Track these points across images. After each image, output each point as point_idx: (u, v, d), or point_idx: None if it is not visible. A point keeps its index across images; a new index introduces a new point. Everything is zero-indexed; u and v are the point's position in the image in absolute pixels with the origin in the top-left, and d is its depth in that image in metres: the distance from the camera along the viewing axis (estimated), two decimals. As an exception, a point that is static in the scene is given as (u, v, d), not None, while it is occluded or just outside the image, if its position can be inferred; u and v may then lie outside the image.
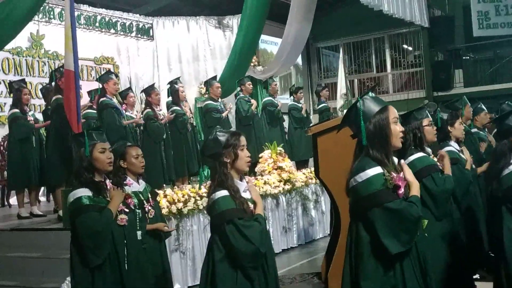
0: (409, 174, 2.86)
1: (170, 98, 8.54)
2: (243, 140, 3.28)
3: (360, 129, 2.84)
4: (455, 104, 6.32)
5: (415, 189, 2.83)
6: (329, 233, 8.13)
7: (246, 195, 3.25)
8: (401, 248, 2.72)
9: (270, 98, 10.36)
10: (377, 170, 2.78)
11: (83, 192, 3.67)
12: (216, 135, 3.29)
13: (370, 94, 2.94)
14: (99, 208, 3.66)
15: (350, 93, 12.44)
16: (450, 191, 3.85)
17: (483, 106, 6.85)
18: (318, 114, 11.39)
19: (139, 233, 3.92)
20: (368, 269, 2.76)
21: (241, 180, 3.30)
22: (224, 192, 3.16)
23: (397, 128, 2.89)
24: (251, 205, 3.22)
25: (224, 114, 9.00)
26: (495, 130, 7.18)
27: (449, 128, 4.93)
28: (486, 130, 6.87)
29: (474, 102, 6.97)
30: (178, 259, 6.40)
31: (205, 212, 6.74)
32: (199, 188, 6.30)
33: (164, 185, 7.91)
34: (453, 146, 4.93)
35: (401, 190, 2.73)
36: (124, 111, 7.55)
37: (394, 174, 2.76)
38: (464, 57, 15.78)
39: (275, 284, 3.30)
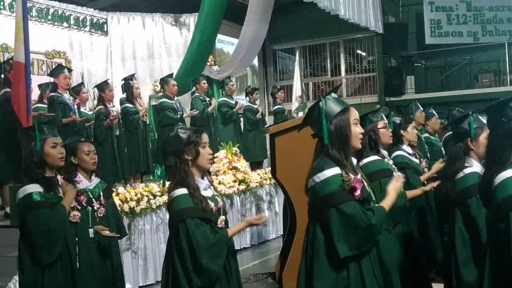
0: (392, 186, 2.97)
1: (125, 95, 8.41)
2: (205, 137, 3.26)
3: (322, 129, 2.87)
4: (406, 108, 6.46)
5: (387, 201, 2.89)
6: (281, 233, 8.17)
7: (206, 193, 3.23)
8: (348, 253, 2.73)
9: (224, 98, 10.34)
10: (335, 170, 2.80)
11: (34, 188, 3.56)
12: (177, 132, 3.26)
13: (333, 95, 2.97)
14: (51, 204, 3.56)
15: (305, 95, 12.55)
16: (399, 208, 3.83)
17: (434, 111, 7.03)
18: (273, 115, 11.43)
19: (91, 230, 3.84)
20: (322, 269, 2.78)
21: (202, 178, 3.27)
22: (182, 190, 3.14)
23: (357, 130, 2.93)
24: (211, 204, 3.19)
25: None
26: (446, 135, 7.37)
27: (402, 132, 5.01)
28: (437, 135, 7.03)
29: (425, 108, 7.14)
30: (130, 258, 6.32)
31: (157, 211, 6.70)
32: (163, 186, 6.22)
33: (116, 183, 7.80)
34: (405, 150, 5.00)
35: (357, 192, 2.75)
36: (76, 107, 7.37)
37: (352, 176, 2.78)
38: (416, 64, 16.16)
39: (237, 284, 3.29)
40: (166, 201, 3.39)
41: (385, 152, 4.30)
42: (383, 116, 4.37)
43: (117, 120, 7.94)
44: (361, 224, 2.72)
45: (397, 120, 5.06)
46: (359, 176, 2.80)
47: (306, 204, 4.49)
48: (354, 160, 2.97)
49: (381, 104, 15.10)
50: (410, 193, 4.29)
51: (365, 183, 2.92)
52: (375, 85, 16.02)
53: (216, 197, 3.30)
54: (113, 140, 7.89)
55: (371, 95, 15.90)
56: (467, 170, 3.50)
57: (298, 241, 4.90)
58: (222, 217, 3.24)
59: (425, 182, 4.84)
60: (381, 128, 4.20)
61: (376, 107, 13.04)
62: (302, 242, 4.69)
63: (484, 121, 3.65)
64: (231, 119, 10.08)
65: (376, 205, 2.85)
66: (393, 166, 4.33)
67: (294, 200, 4.94)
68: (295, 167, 4.84)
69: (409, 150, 5.05)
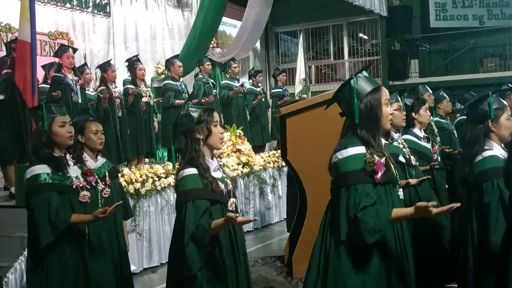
0: (423, 209, 2.55)
1: (129, 76, 8.37)
2: (216, 116, 3.23)
3: (353, 107, 2.80)
4: (413, 91, 6.34)
5: (400, 212, 2.66)
6: (285, 217, 8.17)
7: (216, 174, 3.18)
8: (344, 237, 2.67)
9: (226, 81, 10.28)
10: (359, 149, 2.76)
11: (42, 169, 3.53)
12: (188, 110, 3.22)
13: (364, 73, 2.91)
14: (58, 186, 3.53)
15: (308, 78, 12.49)
16: None
17: (445, 94, 6.88)
18: (271, 98, 11.39)
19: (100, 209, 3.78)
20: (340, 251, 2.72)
21: (212, 158, 3.22)
22: (192, 170, 3.09)
23: (387, 110, 2.86)
24: (222, 185, 3.15)
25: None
26: (458, 118, 7.29)
27: (413, 114, 4.91)
28: (448, 118, 6.90)
29: (435, 91, 7.00)
30: (134, 240, 6.33)
31: (162, 193, 6.70)
32: (174, 167, 6.21)
33: (120, 164, 7.79)
34: (416, 133, 4.91)
35: (378, 175, 2.69)
36: (79, 88, 7.34)
37: (377, 158, 2.71)
38: (420, 48, 16.08)
39: (245, 270, 3.26)
40: (174, 181, 3.35)
41: (395, 135, 4.26)
42: (398, 98, 4.31)
43: (119, 101, 7.89)
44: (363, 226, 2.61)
45: (409, 102, 4.98)
46: (383, 160, 2.73)
47: (317, 186, 4.52)
48: (383, 141, 2.91)
49: (385, 87, 15.04)
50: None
51: (392, 166, 2.85)
52: (379, 68, 15.97)
53: (226, 179, 3.27)
54: (115, 121, 7.85)
55: (374, 79, 15.81)
56: (486, 153, 3.44)
57: (308, 224, 4.90)
58: (232, 200, 3.19)
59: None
60: (395, 110, 4.15)
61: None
62: (312, 224, 4.74)
63: (504, 102, 3.61)
64: (229, 101, 10.01)
65: (390, 208, 2.70)
66: (404, 150, 4.28)
67: (305, 182, 4.91)
68: (306, 148, 4.84)
69: (420, 133, 4.95)
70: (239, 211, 3.30)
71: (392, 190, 2.82)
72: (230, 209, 3.15)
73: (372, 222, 2.60)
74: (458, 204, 2.48)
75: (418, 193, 4.16)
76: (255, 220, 3.07)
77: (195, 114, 3.19)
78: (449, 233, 4.52)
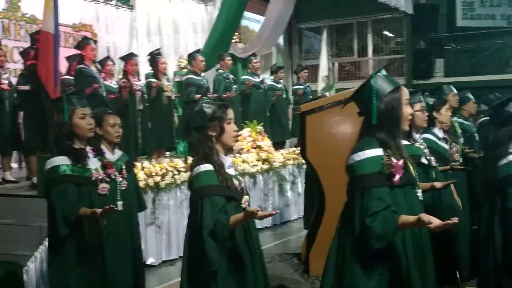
0: (428, 219, 2.51)
1: (151, 70, 8.43)
2: (230, 113, 3.18)
3: (371, 108, 2.76)
4: (438, 91, 6.26)
5: (405, 220, 2.61)
6: (303, 214, 8.17)
7: (231, 171, 3.18)
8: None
9: (247, 76, 10.29)
10: (376, 152, 2.72)
11: (62, 161, 3.58)
12: (201, 106, 3.19)
13: (383, 72, 2.86)
14: (77, 178, 3.58)
15: (332, 75, 12.44)
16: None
17: (471, 95, 6.75)
18: (293, 95, 11.37)
19: (119, 203, 3.83)
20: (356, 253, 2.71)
21: (226, 155, 3.21)
22: (208, 166, 3.06)
23: (408, 110, 2.82)
24: (236, 182, 3.14)
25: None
26: (480, 120, 7.18)
27: (434, 114, 4.85)
28: (471, 119, 6.80)
29: (460, 92, 6.87)
30: (153, 233, 6.40)
31: (182, 187, 6.74)
32: (185, 162, 6.24)
33: (139, 157, 7.86)
34: (435, 133, 4.85)
35: (396, 178, 2.66)
36: (102, 80, 7.41)
37: (395, 160, 2.68)
38: (445, 47, 15.90)
39: (261, 265, 3.26)
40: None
41: (417, 136, 4.22)
42: (421, 98, 4.25)
43: (140, 94, 7.96)
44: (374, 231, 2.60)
45: (430, 101, 4.92)
46: (401, 162, 2.69)
47: (336, 185, 4.50)
48: (405, 142, 2.87)
49: (409, 87, 14.91)
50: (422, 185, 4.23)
51: (411, 167, 2.81)
52: (403, 67, 15.84)
53: (238, 176, 3.26)
54: (135, 113, 7.90)
55: (398, 78, 15.65)
56: (511, 157, 3.40)
57: (326, 222, 4.90)
58: (246, 197, 3.19)
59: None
60: (417, 110, 4.10)
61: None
62: (330, 222, 4.73)
63: None
64: (248, 97, 10.01)
65: (398, 215, 2.64)
66: (425, 151, 4.23)
67: (324, 180, 4.90)
68: (326, 146, 4.82)
69: (440, 134, 4.89)
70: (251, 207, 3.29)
71: (411, 192, 2.79)
72: (244, 206, 3.13)
73: (379, 229, 2.58)
74: (456, 220, 2.42)
75: (441, 197, 4.09)
76: (276, 213, 3.03)
77: (208, 111, 3.15)
78: (468, 234, 4.49)
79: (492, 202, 3.44)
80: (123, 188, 4.12)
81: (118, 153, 4.28)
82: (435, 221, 2.47)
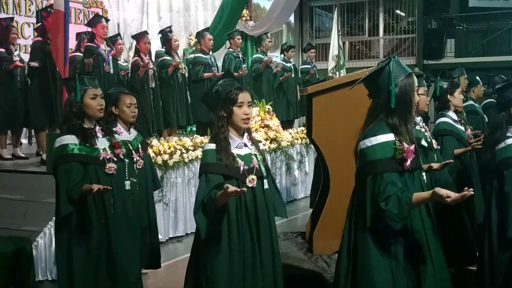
0: (442, 192, 2.55)
1: (163, 48, 8.41)
2: (243, 96, 3.22)
3: (390, 92, 2.78)
4: (451, 72, 6.27)
5: (420, 196, 2.67)
6: (310, 193, 8.20)
7: (240, 151, 3.21)
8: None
9: (259, 55, 10.24)
10: (388, 137, 2.75)
11: (70, 140, 3.60)
12: (218, 86, 3.28)
13: (396, 57, 2.88)
14: (85, 157, 3.61)
15: (342, 54, 12.36)
16: None
17: (479, 78, 6.82)
18: (301, 74, 11.33)
19: (127, 183, 3.88)
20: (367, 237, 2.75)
21: (242, 136, 3.26)
22: (211, 146, 3.20)
23: (417, 98, 2.90)
24: (240, 162, 3.17)
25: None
26: (485, 101, 7.19)
27: (448, 97, 4.89)
28: (478, 101, 6.85)
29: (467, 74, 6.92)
30: (161, 210, 6.45)
31: (189, 165, 6.82)
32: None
33: (150, 137, 7.89)
34: (451, 116, 4.90)
35: (408, 163, 2.70)
36: (111, 58, 7.41)
37: (406, 145, 2.72)
38: (457, 27, 15.72)
39: (270, 245, 3.28)
40: (201, 155, 3.45)
41: (417, 119, 4.26)
42: (424, 82, 4.28)
43: (152, 72, 7.95)
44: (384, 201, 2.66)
45: (444, 84, 4.94)
46: (413, 147, 2.73)
47: (340, 166, 4.54)
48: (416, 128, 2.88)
49: (419, 67, 14.82)
50: (456, 151, 4.38)
51: (417, 152, 2.84)
52: (414, 47, 15.70)
53: (253, 156, 3.27)
54: (149, 92, 7.91)
55: (408, 57, 15.58)
56: (509, 141, 3.43)
57: (330, 203, 4.93)
58: (252, 176, 3.20)
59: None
60: (420, 94, 4.13)
61: (414, 70, 12.84)
62: (334, 202, 4.78)
63: None
64: (260, 75, 9.98)
65: (410, 193, 2.69)
66: (426, 134, 4.29)
67: (329, 162, 4.91)
68: (331, 128, 4.83)
69: (455, 116, 4.94)
70: (265, 188, 3.28)
71: (419, 175, 2.85)
72: (250, 185, 3.17)
73: (396, 210, 2.63)
74: (471, 191, 2.45)
75: (436, 176, 4.17)
76: (242, 191, 2.99)
77: (222, 92, 3.25)
78: (471, 217, 4.54)
79: (491, 186, 3.47)
80: (140, 167, 4.29)
81: (133, 132, 4.39)
82: (452, 194, 2.51)
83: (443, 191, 2.54)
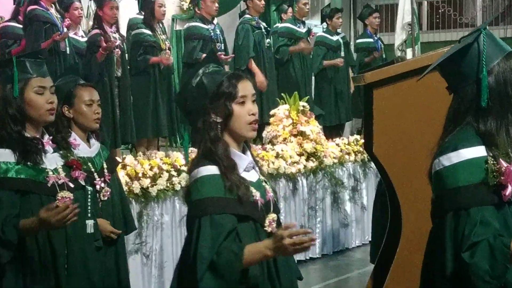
0: None
1: (140, 14, 8.58)
2: (244, 87, 3.16)
3: (478, 81, 2.78)
4: None
5: None
6: (370, 240, 8.23)
7: (249, 176, 3.19)
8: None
9: (288, 25, 10.33)
10: (477, 152, 2.74)
11: (2, 156, 3.63)
12: (202, 77, 3.22)
13: (487, 29, 2.87)
14: (25, 183, 3.64)
15: (417, 23, 12.39)
16: None
17: None
18: (356, 53, 11.39)
19: (90, 223, 3.95)
20: None
21: (243, 151, 3.23)
22: (211, 169, 3.08)
23: None
24: (256, 193, 3.13)
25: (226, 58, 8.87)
26: None
27: None
28: None
29: None
30: (139, 264, 6.49)
31: (182, 194, 6.86)
32: (185, 159, 6.32)
33: (119, 149, 7.98)
34: None
35: (508, 191, 2.67)
36: (64, 29, 7.53)
37: (504, 164, 2.68)
38: None
39: None
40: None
41: None
42: None
43: (119, 52, 8.09)
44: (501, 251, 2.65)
45: None
46: None
47: (417, 196, 4.57)
48: None
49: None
50: None
51: None
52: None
53: (264, 184, 3.27)
54: (112, 84, 8.04)
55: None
56: None
57: (402, 254, 4.93)
58: (273, 216, 3.20)
59: None
60: None
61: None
62: (409, 254, 4.80)
63: None
64: (289, 59, 10.14)
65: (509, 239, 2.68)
66: None
67: (399, 188, 4.90)
68: (402, 137, 4.82)
69: None
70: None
71: None
72: (269, 230, 3.14)
73: (487, 264, 2.62)
74: None
75: None
76: (313, 241, 2.94)
77: (210, 84, 3.17)
78: None
79: None
80: (105, 198, 4.34)
81: (96, 145, 4.44)
82: None
83: None
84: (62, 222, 3.46)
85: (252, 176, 3.20)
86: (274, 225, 3.17)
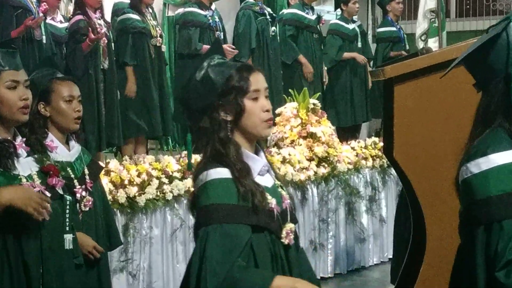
0: None
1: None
2: (257, 80, 3.19)
3: (508, 77, 2.78)
4: None
5: None
6: (390, 257, 8.21)
7: (264, 180, 3.21)
8: None
9: (294, 10, 10.31)
10: (510, 156, 2.75)
11: None
12: (207, 70, 3.23)
13: None
14: None
15: (443, 10, 12.40)
16: None
17: None
18: (376, 43, 11.36)
19: (68, 238, 3.93)
20: None
21: (257, 152, 3.26)
22: (222, 172, 3.10)
23: None
24: (272, 200, 3.15)
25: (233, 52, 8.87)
26: None
27: None
28: None
29: None
30: (125, 285, 6.47)
31: (175, 205, 6.81)
32: (188, 167, 6.33)
33: (102, 152, 7.96)
34: None
35: None
36: (40, 14, 7.51)
37: None
38: None
39: None
40: (191, 189, 3.39)
41: None
42: None
43: (106, 41, 8.09)
44: None
45: None
46: None
47: (444, 207, 4.55)
48: None
49: None
50: None
51: None
52: None
53: (280, 189, 3.32)
54: (98, 77, 8.06)
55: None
56: None
57: (426, 271, 4.92)
58: (290, 226, 3.22)
59: None
60: None
61: None
62: (434, 272, 4.77)
63: None
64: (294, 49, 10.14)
65: None
66: None
67: (422, 198, 4.90)
68: (427, 140, 4.83)
69: None
70: (299, 245, 3.36)
71: None
72: (286, 242, 3.19)
73: None
74: None
75: None
76: None
77: (218, 77, 3.17)
78: None
79: None
80: (87, 209, 4.34)
81: (76, 148, 4.43)
82: None
83: None
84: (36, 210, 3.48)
85: (267, 180, 3.24)
86: (292, 236, 3.23)
